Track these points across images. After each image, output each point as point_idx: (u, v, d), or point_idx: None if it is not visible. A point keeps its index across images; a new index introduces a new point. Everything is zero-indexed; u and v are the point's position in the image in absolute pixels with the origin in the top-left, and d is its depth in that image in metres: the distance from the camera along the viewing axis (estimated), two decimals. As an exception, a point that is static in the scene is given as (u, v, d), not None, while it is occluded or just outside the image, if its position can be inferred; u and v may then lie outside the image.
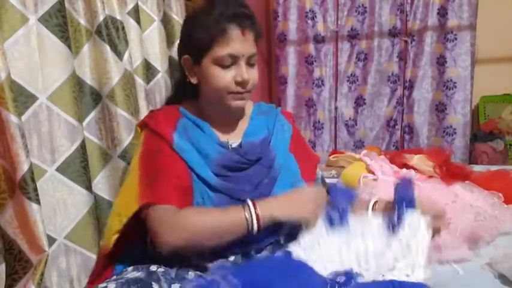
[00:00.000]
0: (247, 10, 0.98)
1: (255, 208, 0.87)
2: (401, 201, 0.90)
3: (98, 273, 0.98)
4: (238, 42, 0.94)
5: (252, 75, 0.97)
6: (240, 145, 1.02)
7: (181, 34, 1.06)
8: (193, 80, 1.01)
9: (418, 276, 0.82)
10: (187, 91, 1.06)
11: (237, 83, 0.96)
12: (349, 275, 0.82)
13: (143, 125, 1.02)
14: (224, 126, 1.04)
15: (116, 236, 0.92)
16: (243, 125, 1.08)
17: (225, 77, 0.95)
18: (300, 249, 0.90)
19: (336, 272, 0.84)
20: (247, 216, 0.86)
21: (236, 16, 0.94)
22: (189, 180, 0.93)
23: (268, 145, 1.05)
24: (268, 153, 1.03)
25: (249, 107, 1.12)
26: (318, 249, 0.91)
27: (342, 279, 0.82)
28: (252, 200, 0.88)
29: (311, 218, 0.90)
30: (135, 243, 1.01)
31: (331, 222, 0.92)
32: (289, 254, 0.89)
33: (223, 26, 0.93)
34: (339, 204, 0.93)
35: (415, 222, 0.88)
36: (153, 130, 0.98)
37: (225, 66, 0.95)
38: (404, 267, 0.83)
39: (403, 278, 0.81)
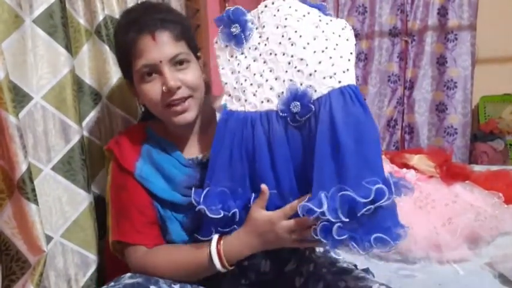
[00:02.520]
0: (157, 13, 0.88)
1: (217, 243, 0.81)
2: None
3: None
4: (150, 49, 0.84)
5: (183, 77, 0.86)
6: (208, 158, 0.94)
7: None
8: (140, 102, 0.97)
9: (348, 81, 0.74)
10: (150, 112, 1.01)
11: (164, 93, 0.85)
12: (299, 96, 0.73)
13: (110, 152, 0.95)
14: (192, 141, 0.97)
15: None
16: (212, 131, 0.95)
17: (152, 90, 0.86)
18: (229, 99, 0.83)
19: (284, 100, 0.75)
20: (207, 252, 0.81)
21: (142, 23, 0.85)
22: (154, 212, 0.90)
23: None
24: None
25: (219, 103, 1.03)
26: (243, 80, 0.82)
27: (296, 106, 0.74)
28: (220, 235, 0.82)
29: (280, 244, 0.81)
30: None
31: (236, 39, 0.83)
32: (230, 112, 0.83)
33: (132, 38, 0.85)
34: (235, 16, 0.83)
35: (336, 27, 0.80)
36: (117, 161, 0.92)
37: (147, 80, 0.86)
38: (341, 74, 0.75)
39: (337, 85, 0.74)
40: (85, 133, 1.11)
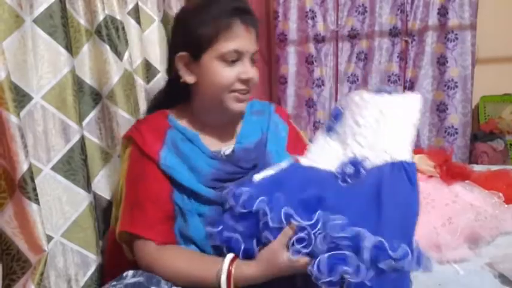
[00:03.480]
0: (248, 6, 0.94)
1: (230, 265, 0.80)
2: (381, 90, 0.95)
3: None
4: (243, 37, 0.90)
5: (254, 73, 0.93)
6: (233, 151, 0.97)
7: (175, 31, 0.99)
8: (190, 80, 0.94)
9: (405, 157, 0.84)
10: (177, 94, 1.01)
11: (242, 81, 0.91)
12: (355, 162, 0.84)
13: (129, 139, 0.96)
14: (217, 132, 0.99)
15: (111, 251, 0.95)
16: (237, 127, 1.02)
17: (229, 74, 0.90)
18: (307, 160, 0.95)
19: (342, 164, 0.87)
20: (218, 269, 0.80)
21: (240, 11, 0.90)
22: (170, 206, 0.90)
23: (264, 148, 0.99)
24: (264, 158, 0.98)
25: None
26: (323, 155, 0.95)
27: (350, 169, 0.85)
28: (234, 256, 0.82)
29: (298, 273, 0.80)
30: None
31: (328, 129, 0.99)
32: (297, 161, 0.92)
33: (229, 20, 0.89)
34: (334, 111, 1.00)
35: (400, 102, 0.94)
36: (139, 148, 0.92)
37: (229, 63, 0.90)
38: (394, 149, 0.85)
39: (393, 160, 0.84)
40: (85, 133, 1.11)
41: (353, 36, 2.73)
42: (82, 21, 1.11)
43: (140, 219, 0.88)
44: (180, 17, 0.99)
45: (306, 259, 0.75)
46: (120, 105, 1.16)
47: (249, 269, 0.80)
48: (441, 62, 2.55)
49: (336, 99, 2.81)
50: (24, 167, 0.83)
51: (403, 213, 0.76)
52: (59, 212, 1.01)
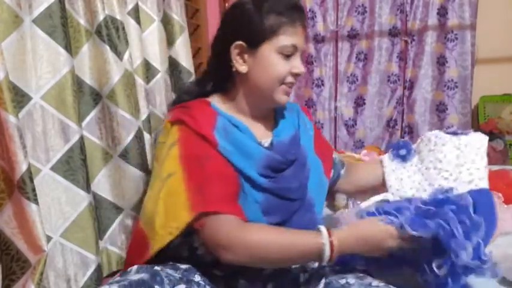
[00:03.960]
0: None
1: (329, 236, 0.81)
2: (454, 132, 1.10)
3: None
4: (300, 35, 0.95)
5: (304, 69, 0.98)
6: (271, 144, 0.99)
7: (231, 20, 0.98)
8: (243, 69, 0.95)
9: (486, 185, 1.01)
10: (219, 84, 1.01)
11: (293, 75, 0.96)
12: (445, 191, 0.93)
13: (177, 122, 0.93)
14: (256, 124, 1.01)
15: (159, 248, 0.85)
16: (270, 122, 1.05)
17: (284, 67, 0.94)
18: (391, 195, 1.06)
19: (434, 193, 0.94)
20: (323, 242, 0.81)
21: (299, 9, 0.96)
22: (238, 185, 0.89)
23: (298, 143, 1.03)
24: (301, 152, 1.02)
25: None
26: (405, 185, 1.09)
27: (442, 195, 0.92)
28: (327, 228, 0.83)
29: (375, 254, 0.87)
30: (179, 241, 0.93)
31: (402, 158, 1.14)
32: (387, 202, 0.99)
33: (292, 16, 0.93)
34: (403, 144, 1.16)
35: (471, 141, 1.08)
36: (193, 130, 0.90)
37: (285, 56, 0.94)
38: (477, 179, 1.01)
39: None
40: (85, 133, 1.11)
41: (353, 36, 2.73)
42: (82, 21, 1.11)
43: (214, 196, 0.83)
44: (240, 6, 0.97)
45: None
46: (121, 105, 1.16)
47: (347, 237, 0.83)
48: (441, 62, 2.55)
49: (336, 99, 2.81)
50: (23, 167, 0.83)
51: (487, 228, 0.87)
52: (58, 212, 1.01)
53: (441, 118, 2.58)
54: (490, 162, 2.13)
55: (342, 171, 1.19)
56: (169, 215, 0.84)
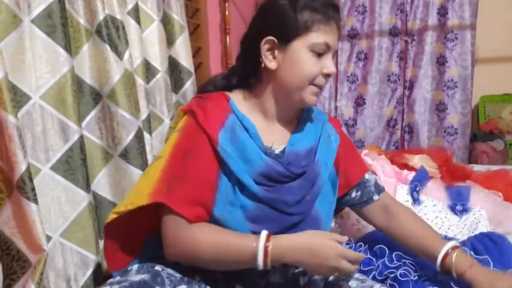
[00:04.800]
0: (338, 6, 0.96)
1: (266, 241, 0.79)
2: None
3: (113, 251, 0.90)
4: (334, 33, 0.91)
5: (335, 70, 0.94)
6: (283, 151, 0.94)
7: (263, 14, 0.96)
8: (272, 65, 0.91)
9: None
10: (245, 79, 0.97)
11: (324, 75, 0.91)
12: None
13: (188, 112, 0.92)
14: (274, 127, 0.97)
15: (114, 216, 0.85)
16: (290, 128, 0.98)
17: (315, 65, 0.89)
18: None
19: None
20: (254, 245, 0.78)
21: (335, 8, 0.92)
22: (212, 194, 0.87)
23: (313, 157, 0.96)
24: (313, 167, 0.95)
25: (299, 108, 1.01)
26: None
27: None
28: (269, 233, 0.81)
29: (326, 274, 0.84)
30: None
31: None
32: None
33: (326, 14, 0.89)
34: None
35: None
36: (199, 124, 0.88)
37: (317, 55, 0.89)
38: None
39: None
40: (85, 133, 1.11)
41: (353, 36, 2.73)
42: (82, 21, 1.11)
43: (179, 194, 0.83)
44: (274, 1, 0.94)
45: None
46: (121, 105, 1.16)
47: (284, 245, 0.80)
48: (441, 61, 2.55)
49: (336, 99, 2.81)
50: (22, 167, 0.83)
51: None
52: (58, 212, 1.01)
53: (441, 118, 2.58)
54: (490, 162, 2.12)
55: (376, 197, 1.06)
56: (136, 191, 0.86)
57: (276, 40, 0.90)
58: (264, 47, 0.91)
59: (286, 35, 0.89)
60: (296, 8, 0.89)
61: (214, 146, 0.87)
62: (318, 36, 0.88)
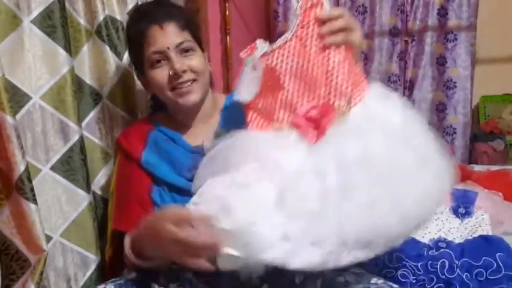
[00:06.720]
0: (164, 7, 1.00)
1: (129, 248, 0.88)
2: None
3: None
4: (159, 37, 0.94)
5: (188, 62, 0.95)
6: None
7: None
8: (151, 92, 1.04)
9: None
10: (158, 103, 1.07)
11: (171, 77, 0.94)
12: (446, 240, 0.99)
13: (117, 144, 1.04)
14: (196, 129, 1.02)
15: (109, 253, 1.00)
16: (213, 123, 1.03)
17: (160, 75, 0.95)
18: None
19: (436, 240, 1.03)
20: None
21: (151, 16, 0.96)
22: (151, 205, 0.95)
23: None
24: None
25: (220, 100, 1.07)
26: None
27: (443, 244, 1.00)
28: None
29: (182, 259, 0.73)
30: None
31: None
32: None
33: (142, 28, 0.95)
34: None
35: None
36: (125, 151, 0.99)
37: (156, 65, 0.95)
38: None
39: None
40: (85, 133, 1.11)
41: (353, 36, 2.73)
42: (82, 21, 1.12)
43: (124, 216, 0.94)
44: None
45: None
46: (120, 106, 1.16)
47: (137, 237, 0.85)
48: (441, 62, 2.55)
49: (336, 100, 2.81)
50: (21, 167, 0.84)
51: None
52: (58, 212, 1.01)
53: (441, 118, 2.58)
54: (490, 162, 2.12)
55: None
56: (108, 226, 1.01)
57: (137, 72, 1.05)
58: (139, 80, 1.08)
59: (137, 66, 1.03)
60: (128, 41, 1.06)
61: (140, 164, 0.96)
62: (146, 51, 0.96)
